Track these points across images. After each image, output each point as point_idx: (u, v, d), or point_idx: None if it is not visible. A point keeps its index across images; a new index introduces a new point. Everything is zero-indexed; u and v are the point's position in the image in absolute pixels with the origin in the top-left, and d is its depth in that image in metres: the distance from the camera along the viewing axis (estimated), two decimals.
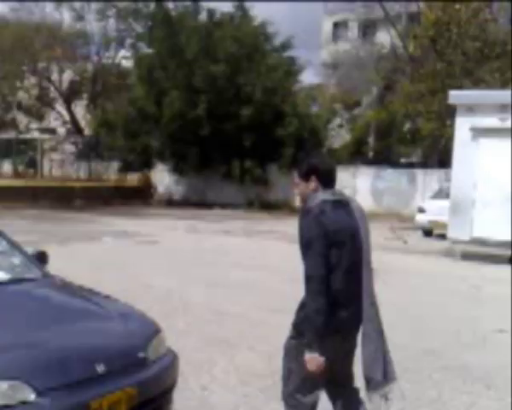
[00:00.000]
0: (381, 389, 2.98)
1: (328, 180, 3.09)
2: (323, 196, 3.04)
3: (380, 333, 3.06)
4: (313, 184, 3.09)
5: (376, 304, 3.06)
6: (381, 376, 2.97)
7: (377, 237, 15.68)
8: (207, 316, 6.45)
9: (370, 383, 2.99)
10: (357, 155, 27.68)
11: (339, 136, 29.79)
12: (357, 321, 3.03)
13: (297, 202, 24.23)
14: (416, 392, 4.60)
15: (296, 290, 9.05)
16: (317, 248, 2.90)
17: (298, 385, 3.02)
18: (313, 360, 2.86)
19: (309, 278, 2.90)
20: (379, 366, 2.98)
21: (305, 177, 3.11)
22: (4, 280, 3.86)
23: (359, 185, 23.45)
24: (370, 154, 29.58)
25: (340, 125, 30.53)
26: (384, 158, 26.40)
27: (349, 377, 3.21)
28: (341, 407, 3.15)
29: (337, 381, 3.13)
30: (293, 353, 3.05)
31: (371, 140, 30.24)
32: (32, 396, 2.79)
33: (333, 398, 3.19)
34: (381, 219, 20.26)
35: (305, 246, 2.94)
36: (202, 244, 13.18)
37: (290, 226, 17.53)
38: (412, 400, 4.44)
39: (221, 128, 22.94)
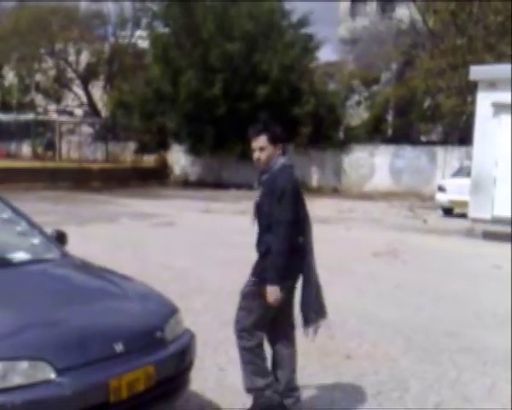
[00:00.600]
0: (314, 324, 3.65)
1: (286, 148, 3.75)
2: (285, 160, 3.64)
3: (317, 280, 3.64)
4: (279, 150, 3.63)
5: (314, 255, 3.66)
6: (315, 315, 3.63)
7: (396, 217, 15.74)
8: (224, 296, 6.45)
9: (307, 320, 3.64)
10: (375, 132, 27.33)
11: (357, 113, 29.44)
12: (303, 268, 3.60)
13: (313, 182, 24.18)
14: (437, 373, 4.57)
15: None
16: (289, 199, 3.48)
17: (256, 321, 3.57)
18: (275, 292, 3.43)
19: (279, 224, 3.43)
20: (314, 307, 3.63)
21: (275, 143, 3.61)
22: (24, 260, 3.88)
23: (378, 164, 23.24)
24: (389, 131, 29.20)
25: (359, 103, 30.13)
26: (403, 136, 26.06)
27: (292, 314, 3.77)
28: (281, 338, 3.69)
29: (283, 318, 3.69)
30: (253, 296, 3.55)
31: (390, 117, 29.83)
32: (52, 375, 2.80)
33: (274, 333, 3.71)
34: (400, 199, 20.13)
35: (280, 196, 3.47)
36: (218, 225, 13.19)
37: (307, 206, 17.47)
38: (432, 381, 4.41)
39: (237, 107, 22.80)
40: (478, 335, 5.59)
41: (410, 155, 22.75)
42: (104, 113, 33.42)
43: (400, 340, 5.37)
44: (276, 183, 3.51)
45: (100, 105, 34.12)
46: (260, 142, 3.58)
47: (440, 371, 4.61)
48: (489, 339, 5.46)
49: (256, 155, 3.60)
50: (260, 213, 3.59)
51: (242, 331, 3.61)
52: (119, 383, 2.95)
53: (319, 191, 22.98)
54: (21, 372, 2.75)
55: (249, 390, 3.68)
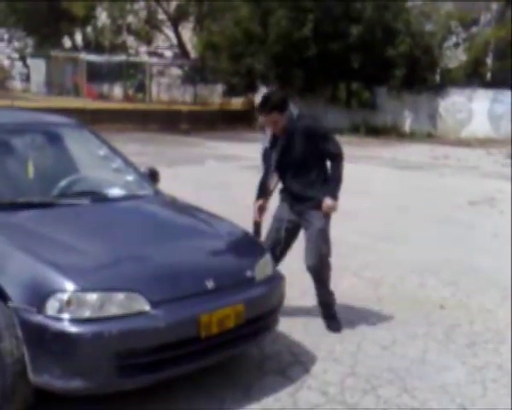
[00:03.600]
0: None
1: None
2: (293, 109, 4.06)
3: None
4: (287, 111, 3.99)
5: None
6: None
7: (494, 165, 14.91)
8: None
9: None
10: (473, 76, 25.73)
11: (454, 56, 27.78)
12: None
13: (405, 127, 23.27)
14: None
15: (401, 218, 8.72)
16: (333, 136, 4.17)
17: (329, 248, 4.15)
18: (336, 205, 4.07)
19: (338, 155, 4.08)
20: None
21: (284, 110, 3.94)
22: (119, 196, 3.99)
23: (475, 109, 22.06)
24: (488, 75, 27.39)
25: (456, 45, 28.33)
26: (503, 80, 24.34)
27: None
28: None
29: None
30: (325, 228, 4.11)
31: (489, 60, 27.91)
32: (146, 307, 2.89)
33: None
34: (499, 146, 19.03)
35: (327, 134, 4.15)
36: None
37: (398, 152, 16.93)
38: None
39: (328, 48, 22.07)
40: None
41: (510, 100, 21.37)
42: (193, 55, 33.57)
43: (496, 291, 5.16)
44: (313, 128, 4.08)
45: (189, 47, 34.26)
46: (272, 118, 3.93)
47: None
48: None
49: (271, 126, 3.99)
50: (295, 162, 4.01)
51: (329, 254, 4.15)
52: (209, 319, 3.00)
53: (412, 136, 22.11)
54: (118, 303, 2.85)
55: (331, 302, 4.24)
